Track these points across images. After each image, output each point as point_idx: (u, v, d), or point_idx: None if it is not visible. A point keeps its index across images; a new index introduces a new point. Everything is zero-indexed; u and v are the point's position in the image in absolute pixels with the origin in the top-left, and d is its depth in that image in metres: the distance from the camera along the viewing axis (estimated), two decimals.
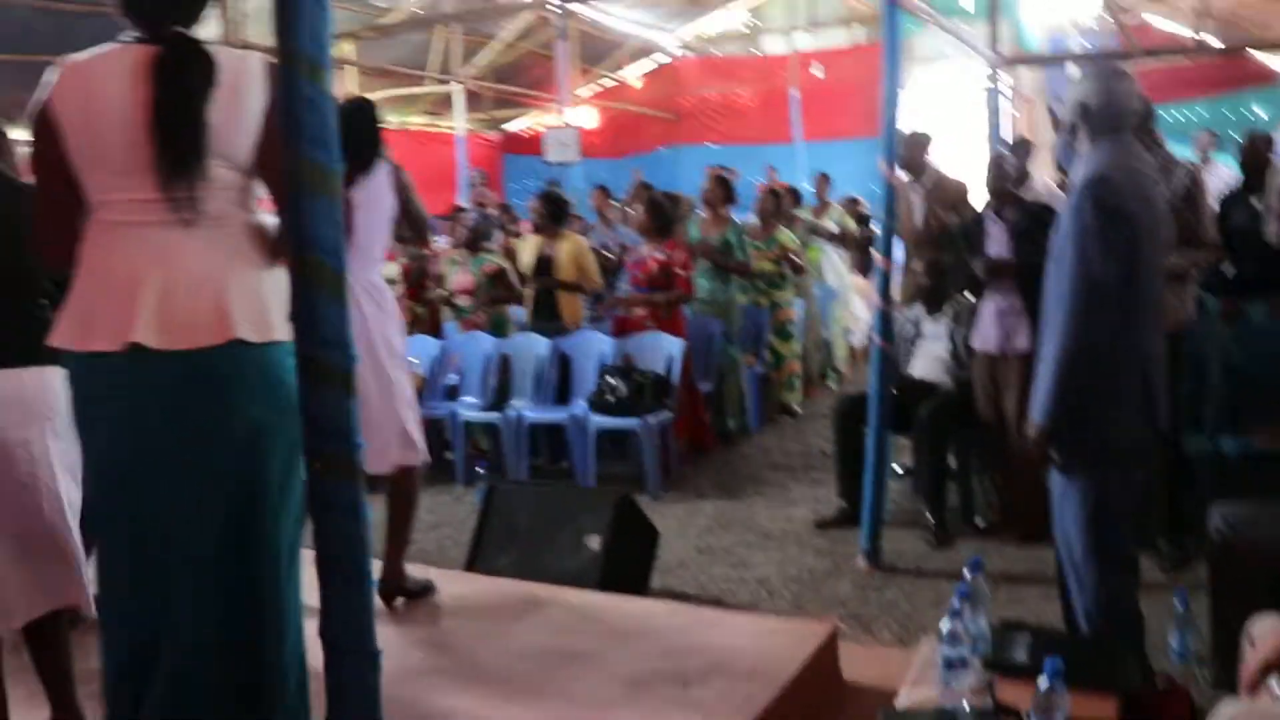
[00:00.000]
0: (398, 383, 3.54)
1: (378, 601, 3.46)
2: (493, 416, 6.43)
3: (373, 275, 3.54)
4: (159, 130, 1.98)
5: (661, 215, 6.87)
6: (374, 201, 3.51)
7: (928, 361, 5.52)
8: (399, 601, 3.60)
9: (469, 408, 6.58)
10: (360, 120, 3.54)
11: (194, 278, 2.02)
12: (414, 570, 3.80)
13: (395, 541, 3.65)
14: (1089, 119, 3.07)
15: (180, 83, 2.00)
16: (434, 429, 6.90)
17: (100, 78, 2.04)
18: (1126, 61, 12.99)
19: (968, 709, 2.30)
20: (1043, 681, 2.09)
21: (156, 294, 1.99)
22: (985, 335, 5.02)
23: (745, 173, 14.52)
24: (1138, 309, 3.02)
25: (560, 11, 8.99)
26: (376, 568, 3.66)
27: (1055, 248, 3.08)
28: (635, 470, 6.22)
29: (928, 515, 5.16)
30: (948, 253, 5.52)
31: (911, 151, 5.95)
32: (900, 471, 6.02)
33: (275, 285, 2.05)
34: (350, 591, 1.95)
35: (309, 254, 1.84)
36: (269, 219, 2.14)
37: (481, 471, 6.59)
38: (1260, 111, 14.43)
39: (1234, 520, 3.46)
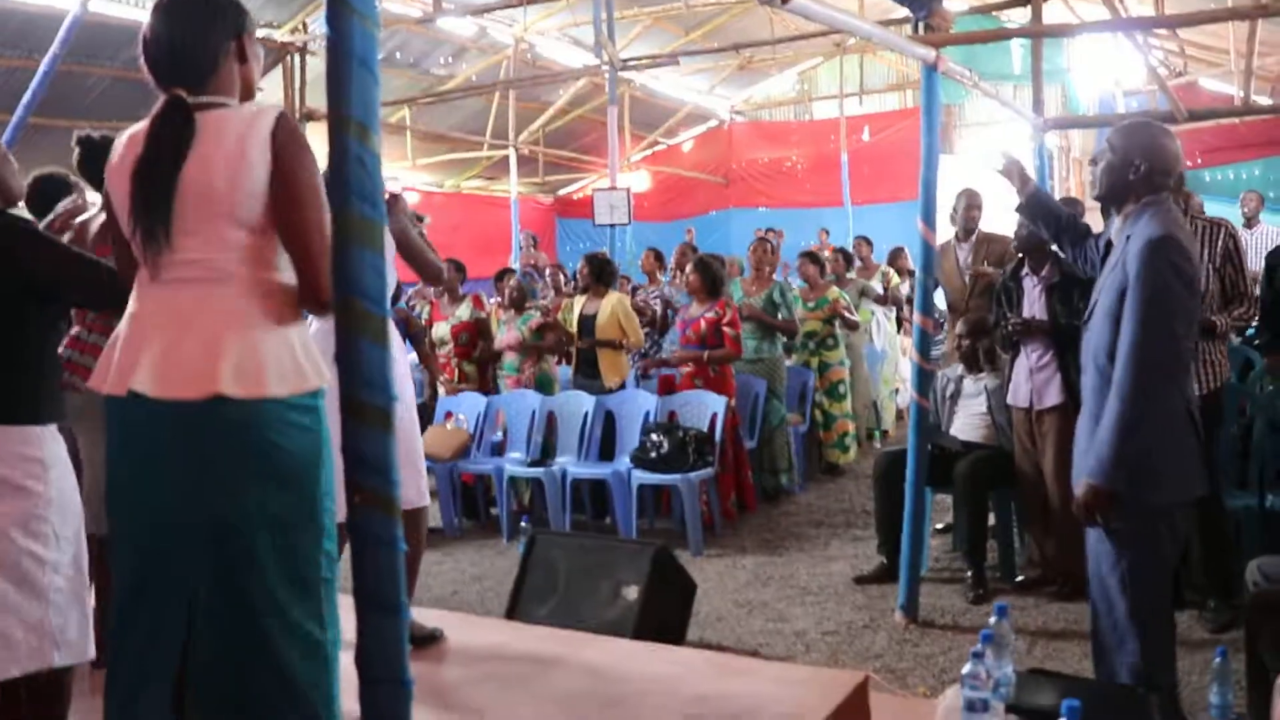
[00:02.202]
0: (405, 425, 3.61)
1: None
2: (537, 472, 6.52)
3: None
4: (133, 192, 2.16)
5: (711, 275, 6.99)
6: None
7: (968, 419, 5.55)
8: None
9: (514, 463, 6.69)
10: None
11: (193, 333, 2.13)
12: (436, 618, 3.88)
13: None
14: (1140, 176, 3.10)
15: (155, 146, 2.15)
16: (480, 484, 7.04)
17: (131, 144, 2.21)
18: (1174, 123, 13.06)
19: None
20: None
21: (160, 346, 2.12)
22: (1019, 391, 5.06)
23: (797, 235, 14.68)
24: (1188, 365, 3.10)
25: (610, 77, 9.16)
26: None
27: (1105, 305, 3.10)
28: (678, 526, 6.28)
29: (966, 571, 5.16)
30: (990, 311, 5.57)
31: (963, 211, 6.06)
32: (940, 528, 6.05)
33: (281, 342, 2.15)
34: (385, 622, 2.04)
35: (353, 300, 1.96)
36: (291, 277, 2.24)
37: (525, 526, 6.67)
38: None
39: (1272, 574, 3.46)
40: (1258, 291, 5.03)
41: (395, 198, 3.76)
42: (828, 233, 14.62)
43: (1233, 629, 4.37)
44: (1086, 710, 2.51)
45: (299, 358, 2.18)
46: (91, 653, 2.79)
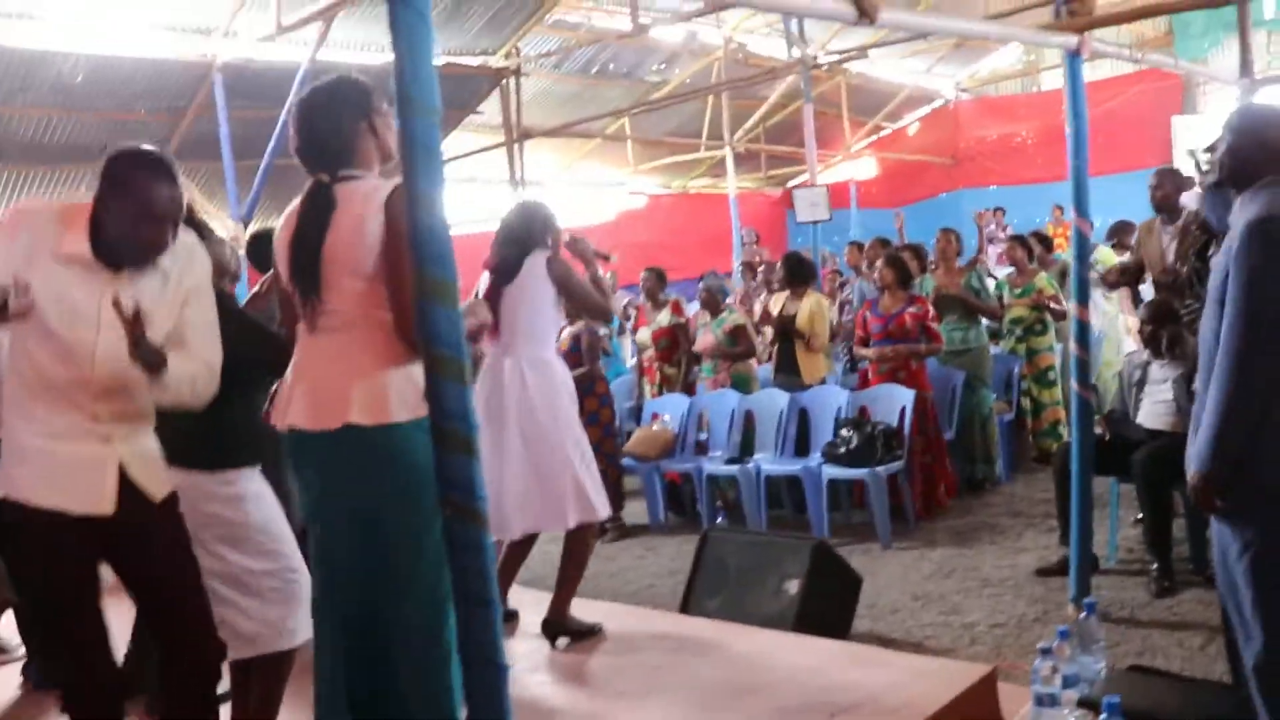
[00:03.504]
0: (566, 445, 3.98)
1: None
2: (733, 469, 6.79)
3: (539, 352, 4.06)
4: (291, 260, 2.64)
5: (903, 269, 7.06)
6: (526, 292, 4.04)
7: (1153, 407, 5.44)
8: (561, 641, 4.01)
9: (713, 461, 6.99)
10: (506, 236, 4.15)
11: (329, 372, 2.60)
12: (609, 612, 4.22)
13: (562, 585, 4.08)
14: (1245, 165, 3.05)
15: (303, 224, 2.64)
16: (687, 482, 7.38)
17: (288, 221, 2.72)
18: None
19: None
20: (1100, 716, 2.24)
21: (308, 386, 2.61)
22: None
23: (1030, 212, 14.27)
24: None
25: (805, 76, 9.30)
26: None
27: (1214, 291, 3.10)
28: (871, 519, 6.42)
29: (1151, 563, 5.09)
30: (1182, 295, 5.43)
31: (1162, 190, 5.87)
32: (1139, 519, 5.92)
33: (402, 375, 2.55)
34: (478, 613, 2.39)
35: (433, 348, 2.32)
36: None
37: (720, 521, 6.96)
38: None
39: None
40: None
41: (553, 258, 4.14)
42: (1062, 210, 14.14)
43: None
44: (1178, 707, 2.60)
45: (419, 386, 2.58)
46: (308, 634, 3.30)
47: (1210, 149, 3.24)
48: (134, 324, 2.52)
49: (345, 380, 2.59)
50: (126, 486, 2.66)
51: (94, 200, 2.63)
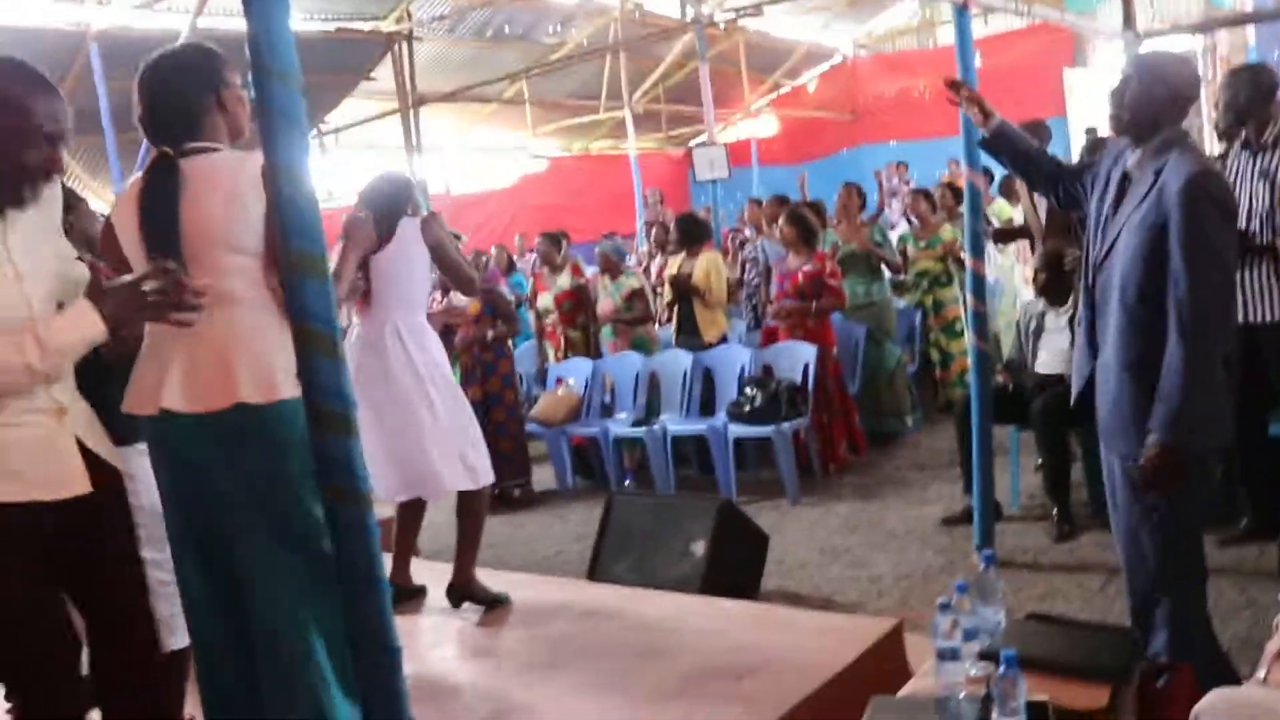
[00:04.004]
0: (449, 411, 3.92)
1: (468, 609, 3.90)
2: (640, 431, 6.75)
3: (415, 317, 3.98)
4: (144, 236, 2.48)
5: (806, 226, 7.04)
6: (401, 257, 3.94)
7: (1051, 355, 5.51)
8: (474, 613, 3.95)
9: (619, 424, 6.94)
10: (380, 202, 4.01)
11: (210, 351, 2.45)
12: (515, 581, 4.16)
13: (462, 551, 4.03)
14: (1164, 105, 2.96)
15: (151, 196, 2.49)
16: (594, 445, 7.32)
17: (128, 198, 2.57)
18: None
19: (960, 699, 2.44)
20: (999, 667, 2.23)
21: (181, 367, 2.45)
22: None
23: (929, 166, 14.40)
24: (1233, 303, 3.03)
25: (699, 34, 9.24)
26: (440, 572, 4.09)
27: (1134, 244, 2.91)
28: (779, 476, 6.43)
29: (1052, 508, 5.17)
30: (1072, 243, 5.49)
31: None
32: (1039, 465, 6.02)
33: (284, 349, 2.41)
34: (365, 596, 2.30)
35: (305, 323, 2.21)
36: None
37: (628, 484, 6.93)
38: None
39: None
40: None
41: (432, 215, 4.11)
42: (958, 163, 14.29)
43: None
44: (1072, 652, 2.61)
45: None
46: None
47: (1112, 95, 3.17)
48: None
49: (228, 357, 2.46)
50: (87, 458, 2.40)
51: None
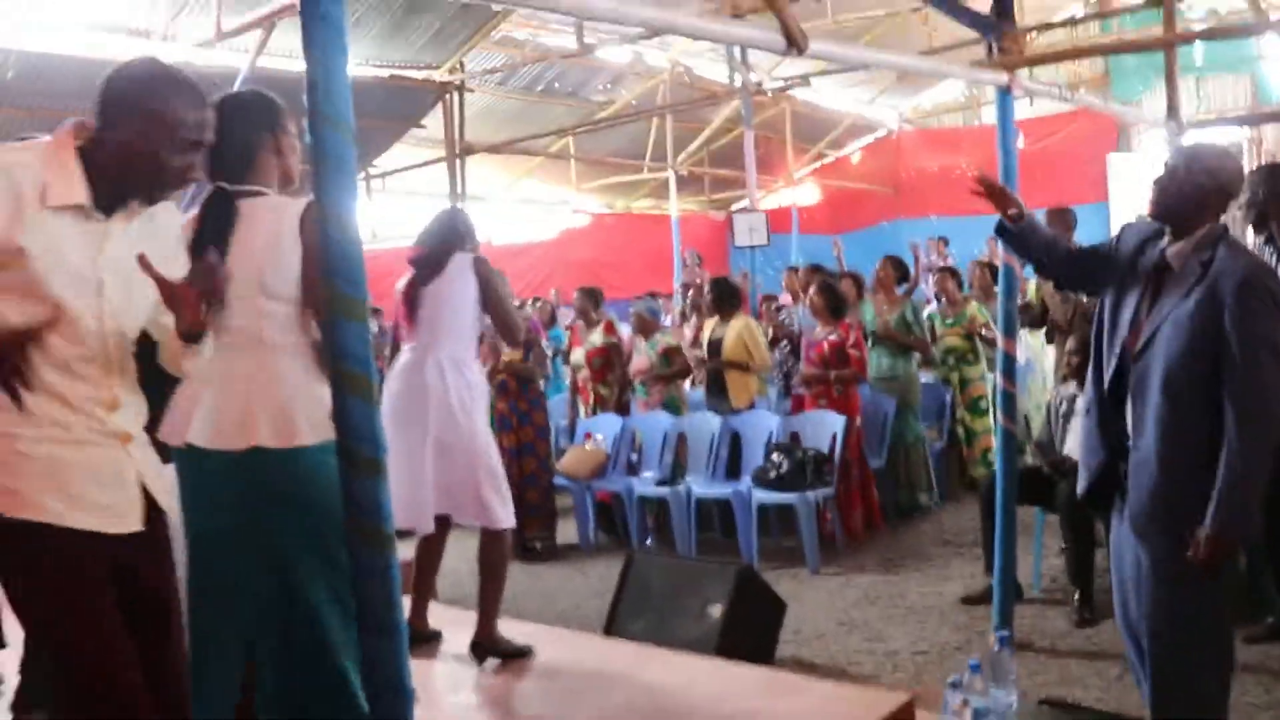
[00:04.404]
0: (478, 450, 3.90)
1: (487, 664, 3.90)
2: (664, 491, 6.77)
3: (460, 352, 3.97)
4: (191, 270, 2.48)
5: (833, 297, 7.11)
6: (451, 289, 3.97)
7: (1079, 438, 5.50)
8: (490, 662, 3.93)
9: (644, 482, 6.96)
10: (436, 233, 4.11)
11: (236, 392, 2.53)
12: (533, 633, 4.15)
13: (485, 606, 3.97)
14: (1207, 199, 2.98)
15: (202, 229, 2.57)
16: (618, 502, 7.34)
17: (185, 228, 2.61)
18: None
19: None
20: None
21: (208, 404, 2.53)
22: None
23: (970, 244, 14.42)
24: None
25: (745, 102, 9.36)
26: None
27: (1181, 335, 2.90)
28: (801, 544, 6.42)
29: (1074, 593, 5.14)
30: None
31: (1053, 230, 5.95)
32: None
33: (311, 396, 2.50)
34: (383, 641, 2.33)
35: (342, 365, 2.27)
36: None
37: (648, 544, 6.94)
38: None
39: None
40: None
41: (481, 258, 4.14)
42: (996, 241, 14.31)
43: None
44: None
45: (327, 407, 2.52)
46: None
47: (1155, 182, 3.18)
48: (169, 284, 2.21)
49: (251, 401, 2.54)
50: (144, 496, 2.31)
51: (85, 133, 2.24)
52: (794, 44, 3.49)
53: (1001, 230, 3.57)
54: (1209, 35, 9.45)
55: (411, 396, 3.89)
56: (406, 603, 3.98)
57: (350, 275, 2.25)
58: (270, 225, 2.56)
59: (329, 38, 2.18)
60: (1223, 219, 3.12)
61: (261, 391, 2.54)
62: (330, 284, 2.24)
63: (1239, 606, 4.51)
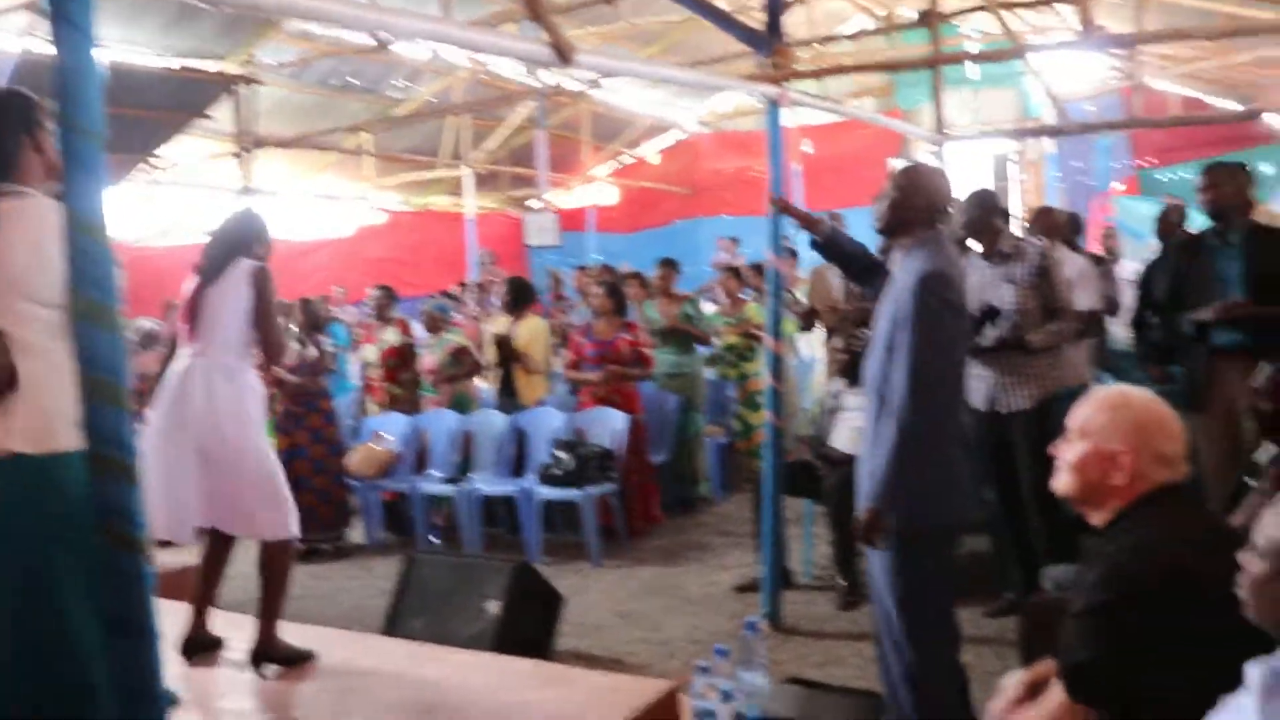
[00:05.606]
0: (250, 459, 3.80)
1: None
2: (450, 489, 6.80)
3: (233, 360, 3.84)
4: None
5: (619, 297, 7.29)
6: (228, 295, 3.85)
7: (848, 433, 5.80)
8: (269, 668, 3.89)
9: (431, 481, 6.97)
10: (224, 236, 4.02)
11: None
12: (314, 635, 4.13)
13: (264, 611, 3.92)
14: (917, 212, 3.36)
15: None
16: (407, 501, 7.32)
17: None
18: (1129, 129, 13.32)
19: None
20: None
21: None
22: None
23: (760, 243, 14.89)
24: (958, 392, 3.34)
25: (540, 105, 9.43)
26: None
27: (881, 335, 3.33)
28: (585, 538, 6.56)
29: (838, 579, 5.43)
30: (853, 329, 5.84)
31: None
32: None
33: (67, 401, 2.44)
34: (135, 644, 2.33)
35: (90, 372, 2.25)
36: None
37: (433, 541, 6.96)
38: (1267, 169, 14.56)
39: (1061, 583, 3.73)
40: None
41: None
42: (788, 238, 14.81)
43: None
44: (821, 714, 2.80)
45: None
46: None
47: (879, 200, 3.52)
48: None
49: (12, 407, 2.49)
50: None
51: None
52: (563, 56, 3.58)
53: (814, 244, 4.10)
54: (966, 58, 10.13)
55: (177, 405, 3.77)
56: (181, 609, 3.93)
57: (101, 282, 2.25)
58: (34, 228, 2.50)
59: (76, 40, 2.17)
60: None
61: (22, 397, 2.48)
62: (77, 290, 2.23)
63: (981, 583, 4.91)
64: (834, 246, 4.02)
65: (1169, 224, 6.76)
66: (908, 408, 3.12)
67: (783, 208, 4.46)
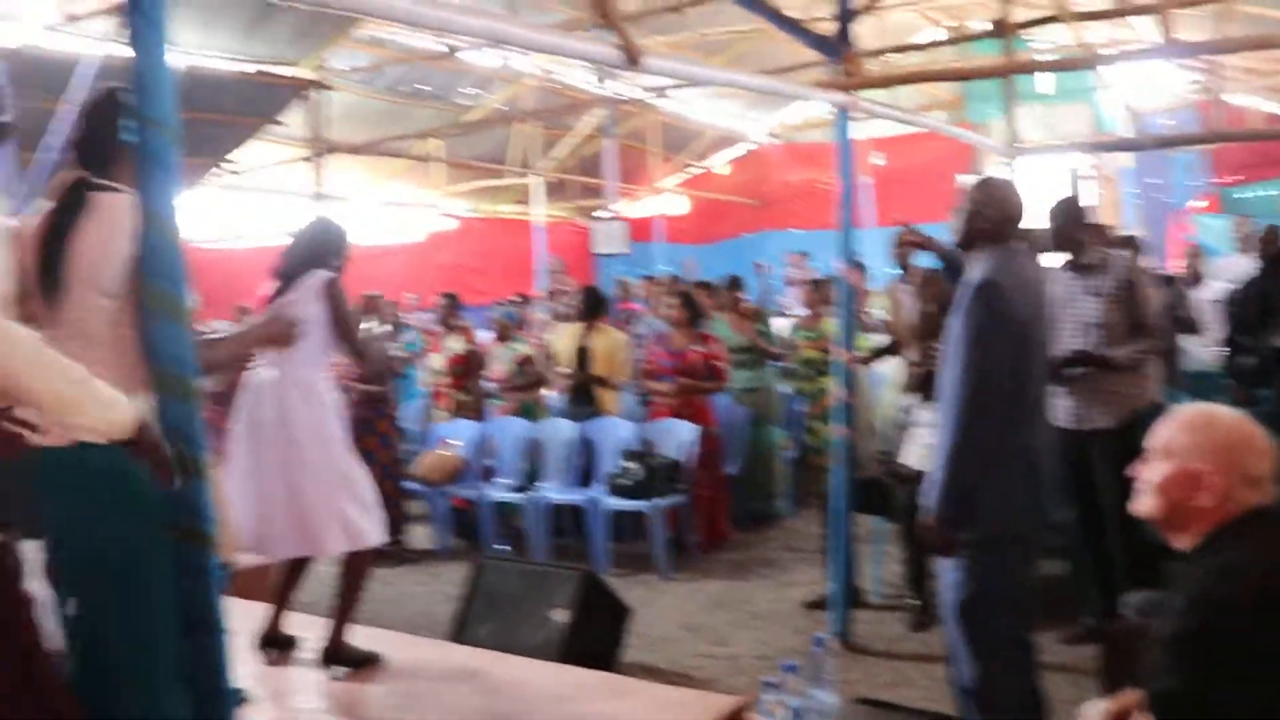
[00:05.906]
0: (327, 471, 3.80)
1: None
2: (518, 497, 6.80)
3: (305, 372, 3.83)
4: (38, 259, 2.52)
5: (694, 308, 7.24)
6: (299, 307, 3.84)
7: (919, 449, 5.70)
8: (337, 669, 3.90)
9: (499, 489, 6.98)
10: (300, 246, 4.03)
11: None
12: (382, 639, 4.13)
13: (338, 614, 3.95)
14: (987, 225, 3.32)
15: (54, 223, 2.56)
16: (473, 508, 7.33)
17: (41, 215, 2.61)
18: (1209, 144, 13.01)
19: None
20: None
21: None
22: None
23: (830, 257, 14.78)
24: (1023, 404, 3.25)
25: (610, 114, 9.42)
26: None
27: (950, 346, 3.26)
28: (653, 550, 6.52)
29: (909, 598, 5.34)
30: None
31: (901, 250, 6.17)
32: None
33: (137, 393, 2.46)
34: (204, 639, 2.34)
35: (159, 365, 2.27)
36: None
37: (500, 548, 6.96)
38: None
39: (1141, 609, 3.61)
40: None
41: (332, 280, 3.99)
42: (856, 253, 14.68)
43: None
44: None
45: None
46: None
47: (954, 213, 3.47)
48: None
49: None
50: None
51: None
52: (632, 59, 3.55)
53: (947, 270, 4.11)
54: (1041, 67, 9.90)
55: (253, 415, 3.82)
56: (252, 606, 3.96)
57: (170, 274, 2.26)
58: (108, 221, 2.53)
59: (150, 36, 2.18)
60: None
61: None
62: (146, 282, 2.25)
63: (1058, 609, 4.78)
64: (951, 268, 4.00)
65: (1271, 244, 6.53)
66: (955, 415, 3.11)
67: (914, 242, 4.44)
